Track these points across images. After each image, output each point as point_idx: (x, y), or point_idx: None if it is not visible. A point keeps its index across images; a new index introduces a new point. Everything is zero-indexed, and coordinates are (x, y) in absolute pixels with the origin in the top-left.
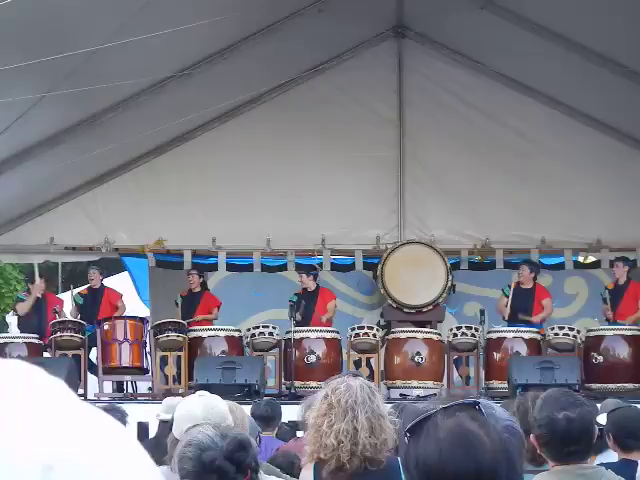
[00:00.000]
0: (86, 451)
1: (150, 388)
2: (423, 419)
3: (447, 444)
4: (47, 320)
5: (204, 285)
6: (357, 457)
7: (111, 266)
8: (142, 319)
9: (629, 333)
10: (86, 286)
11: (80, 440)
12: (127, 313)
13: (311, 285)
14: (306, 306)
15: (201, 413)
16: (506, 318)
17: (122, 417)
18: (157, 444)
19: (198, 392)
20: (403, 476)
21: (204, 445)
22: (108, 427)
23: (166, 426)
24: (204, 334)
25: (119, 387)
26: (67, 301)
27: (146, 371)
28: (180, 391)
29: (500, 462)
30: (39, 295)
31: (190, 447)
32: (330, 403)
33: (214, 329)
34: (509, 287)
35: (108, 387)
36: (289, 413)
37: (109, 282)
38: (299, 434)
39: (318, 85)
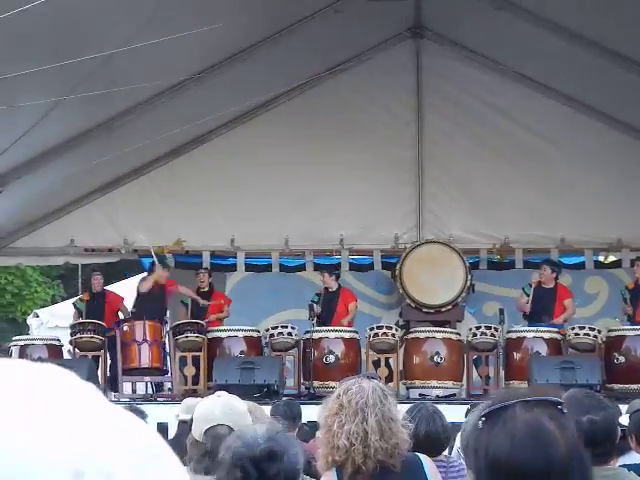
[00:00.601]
0: (118, 456)
1: (170, 389)
2: (501, 408)
3: (521, 437)
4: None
5: (212, 284)
6: (371, 459)
7: (130, 267)
8: (161, 320)
9: None
10: (86, 292)
11: (112, 445)
12: None
13: (333, 285)
14: (327, 306)
15: (220, 413)
16: (527, 314)
17: (142, 418)
18: (177, 444)
19: (217, 392)
20: (426, 472)
21: (243, 441)
22: (139, 430)
23: (185, 426)
24: (223, 334)
25: (139, 388)
26: None
27: (165, 372)
28: (199, 391)
29: (572, 465)
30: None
31: (234, 438)
32: (341, 403)
33: (233, 329)
34: (530, 286)
35: (128, 388)
36: (308, 413)
37: (121, 285)
38: (319, 434)
39: (336, 86)
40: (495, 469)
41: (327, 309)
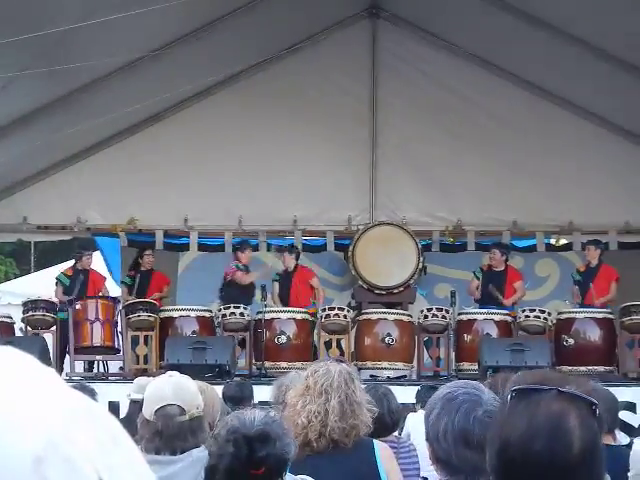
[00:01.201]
0: (78, 442)
1: (121, 368)
2: (535, 390)
3: (539, 424)
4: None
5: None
6: (325, 438)
7: (83, 245)
8: (114, 299)
9: (600, 316)
10: (69, 266)
11: (72, 431)
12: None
13: (291, 265)
14: (285, 285)
15: (171, 393)
16: (476, 299)
17: (92, 396)
18: (128, 424)
19: (168, 372)
20: (377, 457)
21: (241, 420)
22: (100, 417)
23: (137, 406)
24: (175, 314)
25: (90, 367)
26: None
27: (117, 351)
28: (151, 371)
29: (580, 469)
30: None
31: (233, 417)
32: (308, 385)
33: (186, 309)
34: (481, 270)
35: (80, 367)
36: (260, 393)
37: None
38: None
39: (292, 65)
40: (504, 446)
41: (284, 289)
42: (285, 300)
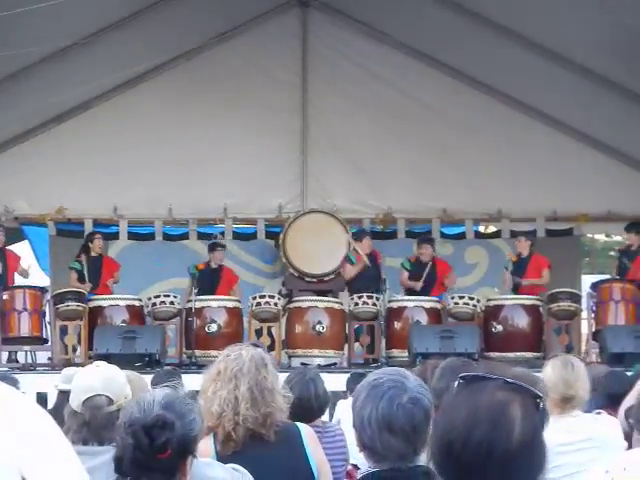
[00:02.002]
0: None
1: (50, 358)
2: (482, 377)
3: (481, 412)
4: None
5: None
6: (240, 427)
7: (10, 235)
8: (42, 289)
9: (528, 303)
10: None
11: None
12: (27, 283)
13: (219, 262)
14: (211, 282)
15: (99, 384)
16: (409, 290)
17: (14, 385)
18: (56, 414)
19: (95, 362)
20: (305, 443)
21: (139, 407)
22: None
23: (65, 396)
24: (104, 303)
25: (13, 357)
26: None
27: (45, 341)
28: (80, 361)
29: (518, 459)
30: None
31: (133, 404)
32: (219, 370)
33: (115, 298)
34: (408, 261)
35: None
36: (190, 382)
37: None
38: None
39: (223, 53)
40: (446, 431)
41: (211, 284)
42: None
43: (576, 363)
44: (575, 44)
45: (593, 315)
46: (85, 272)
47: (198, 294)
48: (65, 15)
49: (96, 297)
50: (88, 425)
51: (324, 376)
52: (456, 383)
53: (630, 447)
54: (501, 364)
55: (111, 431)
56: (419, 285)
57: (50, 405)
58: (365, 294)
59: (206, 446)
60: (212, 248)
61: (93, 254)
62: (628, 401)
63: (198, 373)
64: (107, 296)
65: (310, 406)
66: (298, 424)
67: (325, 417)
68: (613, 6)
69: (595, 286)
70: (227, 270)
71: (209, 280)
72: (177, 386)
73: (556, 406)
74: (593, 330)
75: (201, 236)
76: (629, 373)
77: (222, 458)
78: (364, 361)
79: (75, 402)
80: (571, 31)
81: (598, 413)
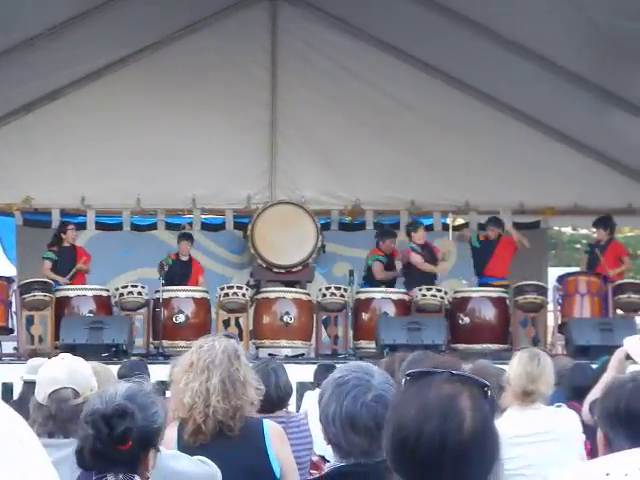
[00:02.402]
0: None
1: (15, 348)
2: (428, 372)
3: (430, 406)
4: None
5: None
6: (211, 419)
7: None
8: (8, 278)
9: (495, 295)
10: None
11: None
12: None
13: (187, 254)
14: (181, 274)
15: (64, 376)
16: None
17: None
18: (21, 405)
19: (60, 355)
20: (267, 441)
21: (102, 398)
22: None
23: (30, 387)
24: (71, 293)
25: None
26: None
27: (11, 331)
28: (46, 351)
29: (471, 449)
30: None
31: (95, 396)
32: (192, 362)
33: (82, 288)
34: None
35: None
36: (157, 373)
37: None
38: (168, 394)
39: (192, 45)
40: (398, 428)
41: (181, 276)
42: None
43: (542, 358)
44: (545, 40)
45: (559, 308)
46: (59, 262)
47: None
48: (33, 4)
49: (62, 287)
50: (54, 418)
51: (291, 367)
52: (403, 380)
53: (593, 441)
54: (448, 357)
55: (77, 424)
56: (398, 274)
57: (15, 396)
58: (333, 285)
59: (170, 435)
60: (178, 240)
61: (66, 244)
62: (593, 394)
63: (165, 364)
64: (74, 286)
65: (270, 397)
66: (265, 422)
67: (292, 408)
68: (584, 3)
69: (561, 279)
70: (195, 262)
71: (180, 272)
72: (142, 380)
73: (517, 398)
74: (559, 322)
75: (169, 226)
76: (594, 366)
77: (185, 449)
78: (332, 352)
79: (40, 395)
80: (542, 27)
81: (558, 406)
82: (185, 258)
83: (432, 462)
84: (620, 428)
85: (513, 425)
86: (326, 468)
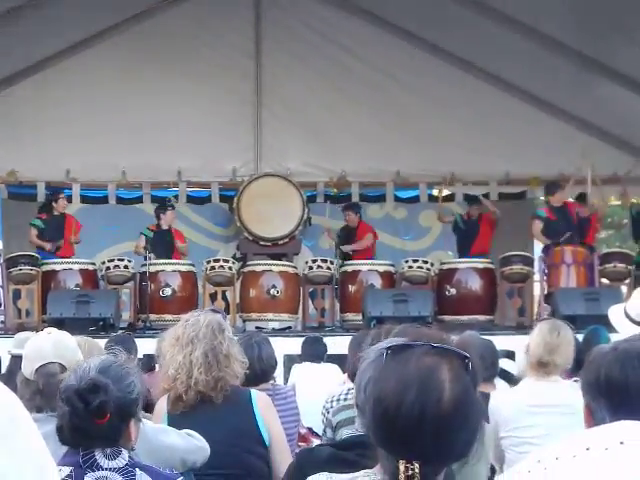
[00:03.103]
0: None
1: (2, 322)
2: (408, 345)
3: (410, 378)
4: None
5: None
6: (192, 389)
7: None
8: None
9: (481, 266)
10: None
11: None
12: None
13: (171, 223)
14: (165, 244)
15: (51, 351)
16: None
17: None
18: (9, 379)
19: (46, 329)
20: (255, 408)
21: (75, 374)
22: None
23: (18, 361)
24: (58, 267)
25: None
26: None
27: None
28: (33, 325)
29: (451, 421)
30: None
31: (70, 372)
32: (178, 335)
33: (68, 262)
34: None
35: None
36: (144, 346)
37: None
38: (157, 368)
39: (176, 17)
40: (378, 400)
41: (165, 246)
42: (168, 257)
43: (563, 331)
44: (529, 8)
45: (545, 278)
46: (47, 230)
47: (153, 256)
48: None
49: (49, 261)
50: (41, 393)
51: (278, 340)
52: (384, 353)
53: None
54: (430, 330)
55: None
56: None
57: (3, 369)
58: (320, 258)
59: (161, 406)
60: (163, 210)
61: (56, 213)
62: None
63: (152, 337)
64: (61, 260)
65: (253, 369)
66: (253, 391)
67: (280, 380)
68: None
69: (547, 249)
70: (177, 231)
71: (163, 242)
72: (117, 352)
73: (533, 368)
74: (545, 293)
75: (155, 199)
76: (580, 336)
77: (172, 417)
78: (318, 325)
79: (28, 370)
80: None
81: (575, 381)
82: (167, 227)
83: (412, 433)
84: (601, 399)
85: (530, 394)
86: (341, 436)
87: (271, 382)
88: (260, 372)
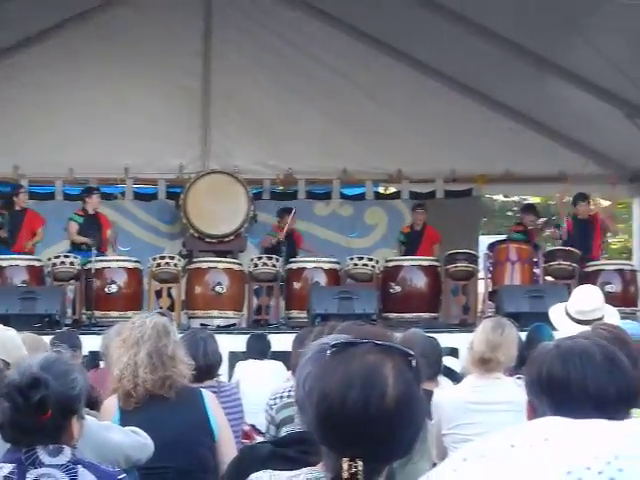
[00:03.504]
0: None
1: None
2: (352, 343)
3: (354, 375)
4: None
5: None
6: (140, 387)
7: None
8: None
9: (426, 264)
10: None
11: None
12: None
13: (96, 207)
14: (93, 229)
15: None
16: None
17: None
18: None
19: None
20: (207, 405)
21: (17, 370)
22: None
23: None
24: (4, 263)
25: None
26: None
27: None
28: None
29: (396, 418)
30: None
31: (13, 366)
32: (124, 337)
33: (14, 258)
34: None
35: None
36: (90, 343)
37: None
38: (102, 365)
39: (125, 13)
40: (322, 398)
41: (93, 231)
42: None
43: (507, 329)
44: (480, 7)
45: (490, 275)
46: (7, 226)
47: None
48: None
49: None
50: None
51: (223, 337)
52: (328, 351)
53: None
54: (374, 327)
55: None
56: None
57: None
58: (265, 255)
59: (111, 403)
60: (88, 194)
61: (17, 208)
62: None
63: (98, 334)
64: (7, 256)
65: (199, 365)
66: (203, 390)
67: (224, 378)
68: None
69: (492, 246)
70: (103, 216)
71: (91, 227)
72: (61, 349)
73: (475, 366)
74: (490, 290)
75: (102, 196)
76: (523, 333)
77: (125, 413)
78: (263, 322)
79: None
80: None
81: (519, 378)
82: (92, 212)
83: (356, 430)
84: (543, 396)
85: (472, 391)
86: (284, 433)
87: (215, 379)
88: (205, 367)
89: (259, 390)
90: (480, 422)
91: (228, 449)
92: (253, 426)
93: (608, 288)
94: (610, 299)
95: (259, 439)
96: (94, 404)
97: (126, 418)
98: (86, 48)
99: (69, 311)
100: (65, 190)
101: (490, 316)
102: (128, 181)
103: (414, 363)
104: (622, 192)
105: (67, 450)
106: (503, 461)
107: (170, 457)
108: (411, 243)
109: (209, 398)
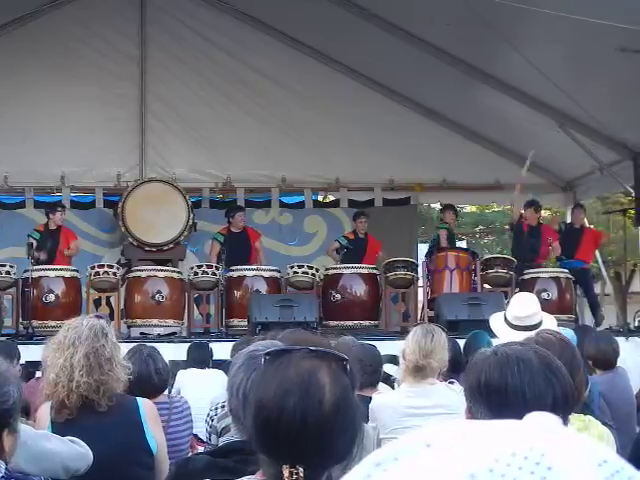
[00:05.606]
0: None
1: None
2: (286, 350)
3: (289, 382)
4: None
5: None
6: (74, 393)
7: None
8: None
9: (365, 271)
10: None
11: None
12: None
13: (60, 222)
14: (52, 244)
15: None
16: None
17: None
18: None
19: None
20: (143, 416)
21: None
22: None
23: None
24: None
25: None
26: None
27: None
28: None
29: (333, 423)
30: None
31: None
32: (60, 339)
33: None
34: (221, 234)
35: None
36: (28, 353)
37: None
38: (38, 374)
39: (59, 19)
40: (259, 407)
41: (52, 246)
42: (52, 258)
43: (437, 335)
44: (414, 16)
45: (429, 283)
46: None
47: (39, 260)
48: None
49: None
50: None
51: (164, 346)
52: (262, 360)
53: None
54: (309, 334)
55: None
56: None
57: None
58: (205, 263)
59: (43, 412)
60: (53, 210)
61: (52, 227)
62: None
63: (36, 344)
64: None
65: (151, 383)
66: (139, 399)
67: None
68: None
69: (430, 254)
70: (67, 231)
71: (47, 242)
72: None
73: (409, 373)
74: (429, 298)
75: (38, 204)
76: (461, 340)
77: (56, 425)
78: (204, 330)
79: None
80: (409, 2)
81: (451, 382)
82: (55, 227)
83: (295, 438)
84: (481, 401)
85: (408, 396)
86: (221, 443)
87: (167, 395)
88: (159, 383)
89: (201, 399)
90: (417, 426)
91: (164, 463)
92: (195, 435)
93: (544, 295)
94: (546, 306)
95: (201, 449)
96: (28, 414)
97: (58, 431)
98: (21, 54)
99: (7, 321)
100: (0, 199)
101: (419, 323)
102: (65, 189)
103: (349, 367)
104: (556, 201)
105: (0, 465)
106: (417, 461)
107: (103, 478)
108: (356, 251)
109: (147, 409)
